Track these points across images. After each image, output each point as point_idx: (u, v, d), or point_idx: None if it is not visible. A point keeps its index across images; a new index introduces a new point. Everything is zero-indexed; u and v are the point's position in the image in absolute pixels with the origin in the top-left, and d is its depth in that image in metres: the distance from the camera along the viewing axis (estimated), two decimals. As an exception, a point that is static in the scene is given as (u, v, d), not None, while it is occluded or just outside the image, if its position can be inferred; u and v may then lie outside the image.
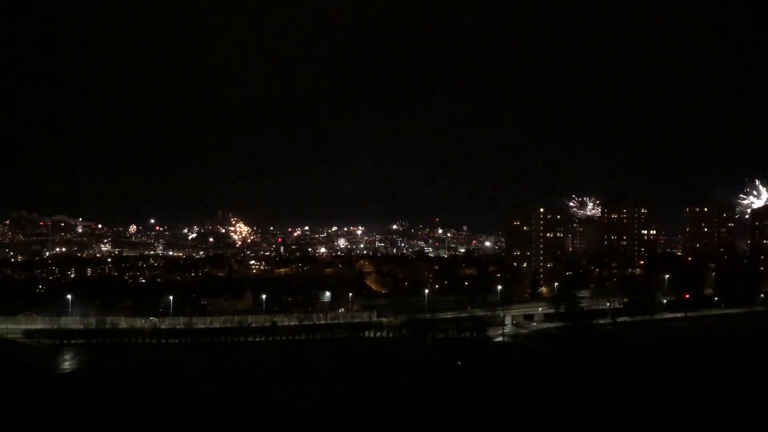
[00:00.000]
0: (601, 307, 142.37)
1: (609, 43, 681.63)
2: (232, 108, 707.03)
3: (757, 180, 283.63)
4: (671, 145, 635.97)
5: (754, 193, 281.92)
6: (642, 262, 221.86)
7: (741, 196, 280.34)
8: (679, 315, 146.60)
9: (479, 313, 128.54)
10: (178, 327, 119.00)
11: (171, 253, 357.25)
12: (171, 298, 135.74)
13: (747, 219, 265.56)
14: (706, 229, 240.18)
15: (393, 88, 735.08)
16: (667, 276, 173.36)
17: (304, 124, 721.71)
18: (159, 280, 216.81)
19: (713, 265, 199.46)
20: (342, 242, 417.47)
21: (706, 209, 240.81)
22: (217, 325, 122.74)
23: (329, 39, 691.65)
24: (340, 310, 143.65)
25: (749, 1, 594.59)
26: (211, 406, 63.23)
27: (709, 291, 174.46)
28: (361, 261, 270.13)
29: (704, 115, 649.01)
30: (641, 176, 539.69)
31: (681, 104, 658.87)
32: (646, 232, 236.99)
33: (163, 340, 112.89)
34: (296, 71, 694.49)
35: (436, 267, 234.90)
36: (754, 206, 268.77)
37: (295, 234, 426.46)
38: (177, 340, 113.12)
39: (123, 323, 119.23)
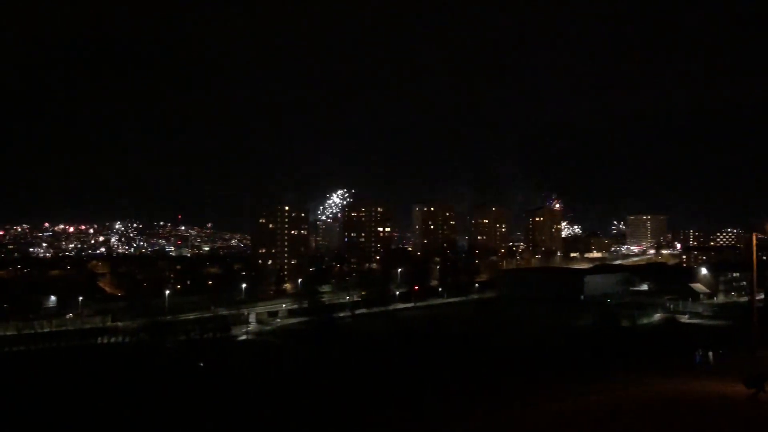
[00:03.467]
0: (341, 300, 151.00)
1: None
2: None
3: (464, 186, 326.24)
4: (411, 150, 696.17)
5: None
6: (378, 258, 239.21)
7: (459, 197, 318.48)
8: (409, 305, 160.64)
9: (223, 312, 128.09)
10: None
11: None
12: None
13: (467, 218, 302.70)
14: (432, 227, 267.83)
15: (139, 79, 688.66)
16: (400, 270, 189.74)
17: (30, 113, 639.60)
18: None
19: (438, 260, 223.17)
20: (70, 242, 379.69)
21: (432, 209, 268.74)
22: None
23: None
24: (68, 316, 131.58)
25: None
26: None
27: (435, 283, 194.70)
28: (94, 261, 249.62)
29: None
30: (383, 177, 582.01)
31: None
32: (381, 229, 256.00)
33: None
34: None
35: (179, 266, 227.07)
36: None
37: (13, 232, 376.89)
38: None
39: None
